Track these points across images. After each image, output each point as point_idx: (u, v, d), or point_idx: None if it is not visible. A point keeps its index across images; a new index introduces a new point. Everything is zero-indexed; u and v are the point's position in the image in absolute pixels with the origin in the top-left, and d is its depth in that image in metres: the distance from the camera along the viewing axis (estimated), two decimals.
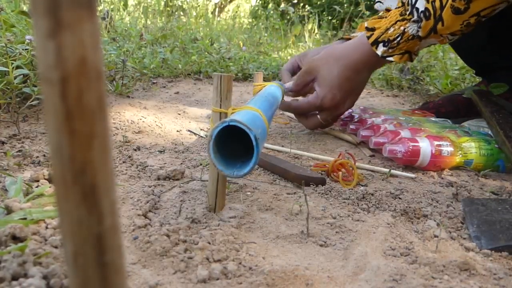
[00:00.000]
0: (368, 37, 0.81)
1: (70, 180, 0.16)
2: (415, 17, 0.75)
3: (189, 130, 0.96)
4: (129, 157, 0.70)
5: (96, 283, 0.17)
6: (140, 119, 0.97)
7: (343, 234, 0.48)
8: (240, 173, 0.43)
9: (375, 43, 0.80)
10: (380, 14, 1.05)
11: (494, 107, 0.84)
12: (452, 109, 1.07)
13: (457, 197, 0.60)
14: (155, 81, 1.70)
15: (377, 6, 1.01)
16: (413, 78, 1.85)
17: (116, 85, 1.26)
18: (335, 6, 4.42)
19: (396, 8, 0.82)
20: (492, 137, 0.78)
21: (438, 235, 0.48)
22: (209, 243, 0.42)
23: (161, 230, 0.43)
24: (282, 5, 4.84)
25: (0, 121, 0.82)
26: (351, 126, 0.94)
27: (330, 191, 0.60)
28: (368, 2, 3.43)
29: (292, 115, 1.09)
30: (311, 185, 0.62)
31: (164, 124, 0.98)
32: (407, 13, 0.77)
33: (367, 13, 3.14)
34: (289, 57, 2.72)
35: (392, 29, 0.78)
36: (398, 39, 0.78)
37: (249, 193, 0.58)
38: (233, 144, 0.47)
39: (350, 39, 1.01)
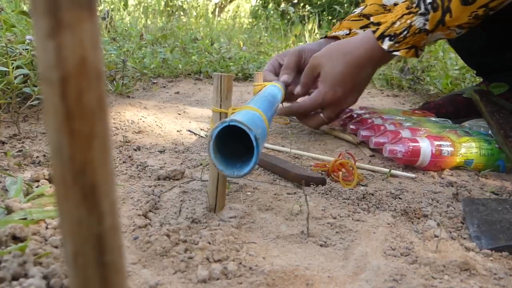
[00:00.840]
0: (374, 32, 0.80)
1: (70, 180, 0.16)
2: (422, 9, 0.74)
3: (189, 130, 0.96)
4: (129, 157, 0.70)
5: (96, 283, 0.17)
6: (140, 119, 0.97)
7: (343, 234, 0.48)
8: (240, 173, 0.43)
9: (381, 37, 0.79)
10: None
11: (494, 107, 0.84)
12: (453, 109, 1.07)
13: (457, 197, 0.60)
14: (155, 81, 1.70)
15: (385, 0, 1.01)
16: (413, 78, 1.85)
17: (116, 85, 1.26)
18: (335, 6, 4.42)
19: (402, 2, 0.81)
20: (492, 137, 0.78)
21: (438, 235, 0.48)
22: (209, 243, 0.42)
23: (161, 230, 0.43)
24: (282, 5, 4.84)
25: (0, 121, 0.82)
26: (351, 126, 0.94)
27: (330, 191, 0.60)
28: None
29: None
30: (311, 185, 0.62)
31: (164, 124, 0.98)
32: (414, 5, 0.76)
33: None
34: None
35: (398, 23, 0.77)
36: (405, 33, 0.76)
37: (249, 193, 0.58)
38: (233, 144, 0.47)
39: (337, 37, 1.01)
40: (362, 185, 0.64)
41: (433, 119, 0.94)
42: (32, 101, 0.84)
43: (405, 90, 1.85)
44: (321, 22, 3.96)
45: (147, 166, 0.66)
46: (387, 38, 0.78)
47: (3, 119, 0.83)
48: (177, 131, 0.95)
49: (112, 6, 3.21)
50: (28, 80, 0.85)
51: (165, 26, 2.85)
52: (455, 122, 0.94)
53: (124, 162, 0.68)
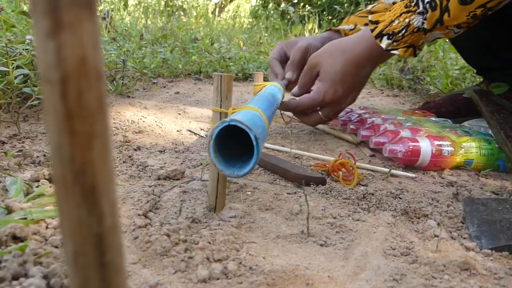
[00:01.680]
0: (372, 30, 0.80)
1: (70, 180, 0.16)
2: (421, 8, 0.74)
3: (189, 130, 0.96)
4: (129, 157, 0.70)
5: (96, 283, 0.17)
6: (140, 119, 0.97)
7: (344, 234, 0.48)
8: (240, 173, 0.43)
9: (379, 36, 0.79)
10: (369, 8, 1.05)
11: (495, 107, 0.84)
12: (453, 109, 1.07)
13: (457, 196, 0.60)
14: (155, 81, 1.70)
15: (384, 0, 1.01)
16: (414, 78, 1.85)
17: (116, 85, 1.26)
18: (336, 6, 4.42)
19: (401, 0, 0.81)
20: (492, 136, 0.78)
21: (438, 235, 0.48)
22: (209, 243, 0.42)
23: (161, 230, 0.43)
24: (283, 4, 4.84)
25: (0, 121, 0.82)
26: (351, 126, 0.94)
27: (330, 191, 0.60)
28: (368, 2, 3.43)
29: (291, 113, 1.08)
30: (312, 185, 0.62)
31: (164, 124, 0.98)
32: (412, 4, 0.76)
33: None
34: None
35: (396, 22, 0.77)
36: (403, 31, 0.76)
37: (249, 193, 0.58)
38: (233, 144, 0.47)
39: (338, 31, 1.01)
40: (362, 185, 0.64)
41: (433, 119, 0.94)
42: (32, 101, 0.84)
43: (405, 90, 1.85)
44: (321, 22, 3.96)
45: (147, 166, 0.66)
46: (385, 37, 0.78)
47: (3, 119, 0.83)
48: (177, 131, 0.95)
49: (112, 6, 3.21)
50: (28, 80, 0.85)
51: (165, 26, 2.86)
52: (455, 122, 0.94)
53: (124, 162, 0.68)
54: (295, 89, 0.93)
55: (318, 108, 0.89)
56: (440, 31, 0.75)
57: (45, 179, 0.55)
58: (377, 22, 0.81)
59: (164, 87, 1.63)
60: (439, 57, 1.87)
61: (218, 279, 0.37)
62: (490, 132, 0.81)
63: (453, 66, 1.72)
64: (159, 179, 0.61)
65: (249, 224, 0.48)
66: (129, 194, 0.55)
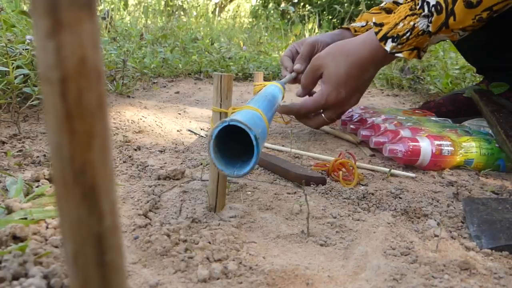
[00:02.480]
0: (377, 33, 0.80)
1: (70, 180, 0.16)
2: (426, 11, 0.74)
3: (189, 130, 0.96)
4: (130, 157, 0.70)
5: (96, 282, 0.17)
6: (141, 119, 0.97)
7: (344, 233, 0.48)
8: (240, 173, 0.43)
9: (384, 38, 0.79)
10: (382, 5, 1.05)
11: (495, 107, 0.84)
12: (453, 109, 1.07)
13: (457, 196, 0.60)
14: (155, 81, 1.70)
15: None
16: (414, 77, 1.85)
17: (117, 85, 1.26)
18: (336, 6, 4.42)
19: (405, 3, 0.81)
20: (492, 136, 0.78)
21: (438, 235, 0.48)
22: (209, 242, 0.42)
23: (161, 229, 0.43)
24: (283, 4, 4.84)
25: (0, 121, 0.82)
26: (351, 126, 0.94)
27: (330, 191, 0.60)
28: (369, 2, 3.42)
29: None
30: (312, 185, 0.62)
31: (165, 124, 0.98)
32: (417, 7, 0.75)
33: None
34: None
35: (401, 24, 0.77)
36: (408, 34, 0.76)
37: (249, 192, 0.58)
38: (233, 143, 0.47)
39: (349, 29, 1.02)
40: (362, 185, 0.64)
41: (433, 118, 0.94)
42: (32, 101, 0.84)
43: (405, 90, 1.85)
44: (321, 22, 3.96)
45: (147, 166, 0.66)
46: (389, 40, 0.78)
47: (3, 119, 0.83)
48: (177, 130, 0.95)
49: (112, 6, 3.21)
50: (28, 80, 0.85)
51: (165, 26, 2.85)
52: (455, 121, 0.94)
53: (124, 162, 0.68)
54: (299, 91, 0.95)
55: (321, 110, 0.90)
56: (445, 34, 0.75)
57: (45, 179, 0.55)
58: (381, 25, 0.81)
59: (164, 87, 1.63)
60: (439, 56, 1.87)
61: (218, 279, 0.37)
62: (490, 131, 0.81)
63: (453, 65, 1.72)
64: (159, 179, 0.61)
65: (249, 224, 0.49)
66: (129, 194, 0.55)
